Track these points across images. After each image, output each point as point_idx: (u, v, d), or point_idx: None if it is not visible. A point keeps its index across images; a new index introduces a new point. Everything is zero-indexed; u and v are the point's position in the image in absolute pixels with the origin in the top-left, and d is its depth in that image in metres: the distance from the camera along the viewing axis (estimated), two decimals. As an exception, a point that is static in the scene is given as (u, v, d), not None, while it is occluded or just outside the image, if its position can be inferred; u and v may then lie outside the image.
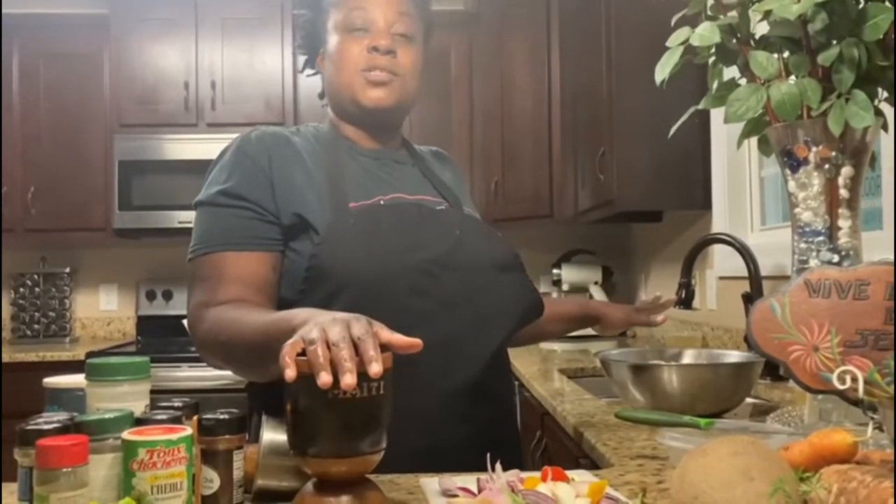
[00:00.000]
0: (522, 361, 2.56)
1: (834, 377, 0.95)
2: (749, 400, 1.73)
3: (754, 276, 1.97)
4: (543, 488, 0.84)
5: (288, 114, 3.70)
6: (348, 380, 0.74)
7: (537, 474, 0.90)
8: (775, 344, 1.04)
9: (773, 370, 1.85)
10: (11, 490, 0.87)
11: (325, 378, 0.74)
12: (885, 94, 1.14)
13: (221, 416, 0.86)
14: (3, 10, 3.55)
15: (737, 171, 2.54)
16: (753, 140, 1.29)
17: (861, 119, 1.05)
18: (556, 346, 3.08)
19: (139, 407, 0.88)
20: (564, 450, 1.66)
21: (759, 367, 1.48)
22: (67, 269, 3.94)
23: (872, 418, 0.97)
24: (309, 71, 1.39)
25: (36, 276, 3.93)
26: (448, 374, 1.16)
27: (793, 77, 1.15)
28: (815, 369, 1.02)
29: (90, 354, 3.29)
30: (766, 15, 1.16)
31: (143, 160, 3.63)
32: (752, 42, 1.21)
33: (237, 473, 0.87)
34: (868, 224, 1.74)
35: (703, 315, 2.73)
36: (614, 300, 3.58)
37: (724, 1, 1.21)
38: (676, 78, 1.23)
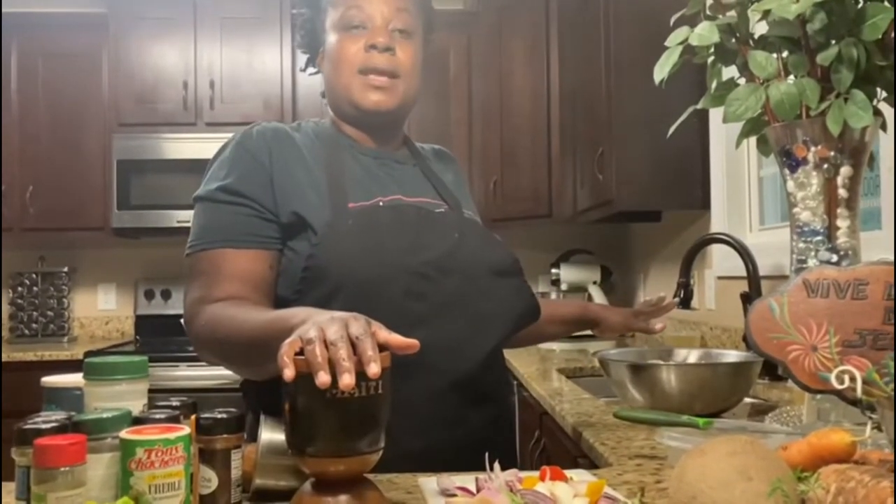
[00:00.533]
0: (521, 361, 2.56)
1: (832, 377, 0.95)
2: (747, 400, 1.74)
3: (753, 276, 1.98)
4: (542, 488, 0.84)
5: (287, 113, 3.70)
6: (346, 379, 0.74)
7: (536, 474, 0.90)
8: (774, 344, 1.04)
9: (772, 370, 1.85)
10: (9, 489, 0.87)
11: (323, 378, 0.74)
12: (884, 94, 1.14)
13: (219, 416, 0.86)
14: (2, 9, 3.55)
15: (735, 171, 2.54)
16: (752, 140, 1.29)
17: (860, 119, 1.05)
18: (555, 346, 3.08)
19: (137, 406, 0.88)
20: (563, 449, 1.66)
21: (758, 366, 1.48)
22: (66, 269, 3.94)
23: (871, 418, 0.97)
24: (311, 70, 1.38)
25: (34, 276, 3.92)
26: (443, 375, 1.16)
27: (792, 77, 1.15)
28: (813, 369, 1.02)
29: (88, 354, 3.28)
30: (765, 15, 1.16)
31: (142, 159, 3.63)
32: (750, 42, 1.21)
33: (235, 473, 0.86)
34: (867, 224, 1.74)
35: (701, 315, 2.73)
36: (613, 300, 3.59)
37: (723, 1, 1.21)
38: (675, 77, 1.23)
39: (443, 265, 1.20)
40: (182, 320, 1.20)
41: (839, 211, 1.14)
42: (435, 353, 1.07)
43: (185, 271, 1.21)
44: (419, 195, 1.29)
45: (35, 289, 3.91)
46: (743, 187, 2.54)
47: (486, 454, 0.93)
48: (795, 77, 1.14)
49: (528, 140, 3.56)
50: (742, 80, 1.22)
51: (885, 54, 1.08)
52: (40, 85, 3.73)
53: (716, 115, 2.40)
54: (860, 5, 1.08)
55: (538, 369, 2.40)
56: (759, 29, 1.22)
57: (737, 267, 2.10)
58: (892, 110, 1.16)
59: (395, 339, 0.81)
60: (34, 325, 3.89)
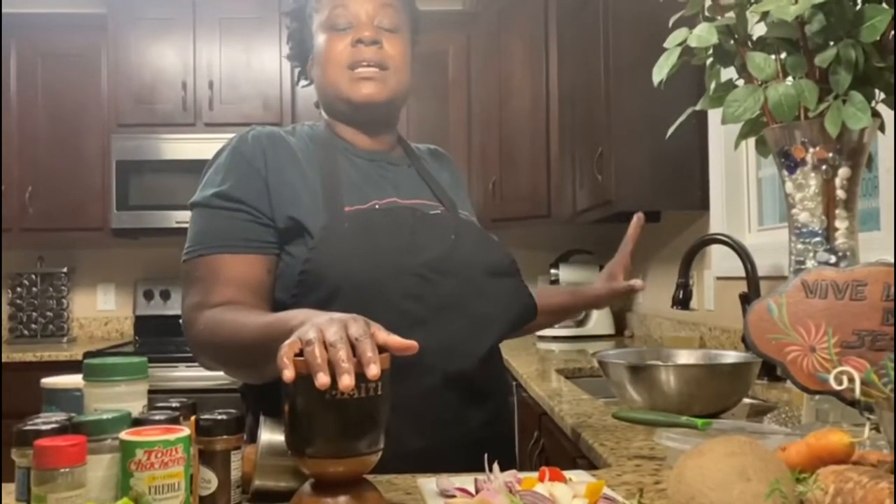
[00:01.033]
0: (520, 361, 2.57)
1: (831, 378, 0.96)
2: (746, 400, 1.74)
3: (752, 277, 1.98)
4: (541, 489, 0.84)
5: (286, 114, 3.70)
6: (346, 381, 0.74)
7: (535, 475, 0.91)
8: (772, 344, 1.05)
9: (771, 370, 1.85)
10: (9, 491, 0.87)
11: (322, 379, 0.74)
12: (883, 96, 1.15)
13: (219, 417, 0.86)
14: (2, 10, 3.55)
15: (734, 172, 2.54)
16: (751, 140, 1.29)
17: (858, 120, 1.06)
18: (554, 347, 3.09)
19: (137, 407, 0.88)
20: (562, 450, 1.66)
21: (756, 367, 1.48)
22: (65, 269, 3.94)
23: (869, 419, 0.98)
24: (304, 82, 1.40)
25: (33, 276, 3.92)
26: (441, 376, 1.16)
27: (790, 78, 1.15)
28: (812, 370, 1.02)
29: (88, 354, 3.28)
30: (764, 16, 1.16)
31: (141, 160, 3.63)
32: (749, 43, 1.21)
33: (235, 474, 0.87)
34: (865, 225, 1.74)
35: (700, 315, 2.73)
36: (612, 300, 3.58)
37: (722, 2, 1.21)
38: (674, 78, 1.23)
39: (440, 266, 1.20)
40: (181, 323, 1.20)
41: (837, 212, 1.14)
42: (432, 353, 1.07)
43: (181, 276, 1.21)
44: (414, 197, 1.29)
45: (34, 289, 3.91)
46: (742, 188, 2.54)
47: (486, 454, 0.93)
48: (794, 78, 1.14)
49: (528, 140, 3.56)
50: (740, 82, 1.23)
51: (883, 56, 1.08)
52: (39, 85, 3.73)
53: (715, 115, 2.41)
54: (858, 7, 1.08)
55: (537, 370, 2.40)
56: (758, 30, 1.22)
57: (736, 267, 2.10)
58: (891, 112, 1.17)
59: (394, 340, 0.81)
60: (33, 326, 3.89)
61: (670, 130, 1.32)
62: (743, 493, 0.70)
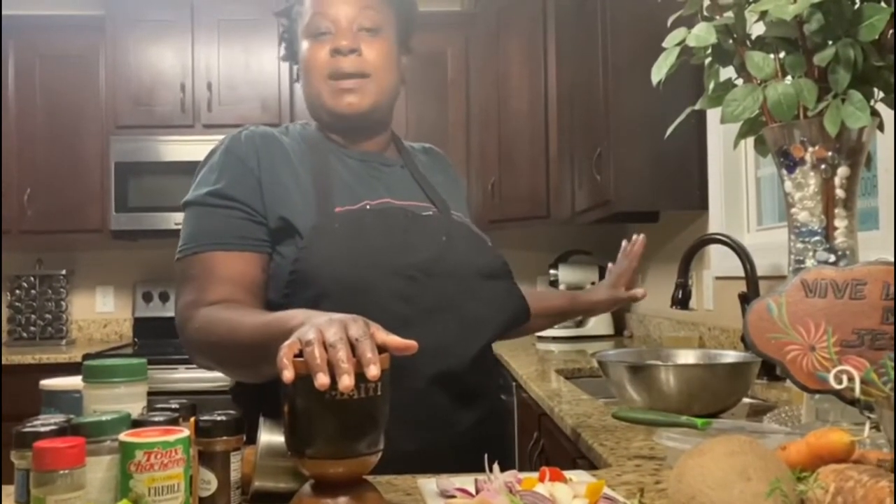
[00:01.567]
0: (520, 362, 2.57)
1: (830, 377, 0.96)
2: (746, 400, 1.74)
3: (751, 277, 1.98)
4: (541, 489, 0.84)
5: (284, 115, 3.70)
6: (346, 381, 0.74)
7: (535, 475, 0.90)
8: (772, 344, 1.04)
9: (770, 370, 1.85)
10: (8, 493, 0.87)
11: (322, 379, 0.74)
12: (881, 95, 1.15)
13: (219, 418, 0.86)
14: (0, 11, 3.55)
15: (733, 172, 2.54)
16: (750, 140, 1.29)
17: (857, 119, 1.06)
18: (553, 347, 3.09)
19: (136, 409, 0.88)
20: (562, 450, 1.66)
21: (756, 366, 1.48)
22: (64, 271, 3.93)
23: (869, 418, 0.97)
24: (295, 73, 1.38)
25: (32, 279, 3.92)
26: (430, 377, 1.16)
27: (789, 77, 1.15)
28: (811, 369, 1.02)
29: (87, 356, 3.28)
30: (762, 15, 1.16)
31: (140, 161, 3.63)
32: (748, 42, 1.21)
33: (234, 475, 0.86)
34: (864, 224, 1.74)
35: (699, 315, 2.73)
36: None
37: (720, 1, 1.21)
38: (673, 78, 1.23)
39: (430, 268, 1.20)
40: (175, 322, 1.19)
41: (837, 211, 1.14)
42: (422, 355, 1.05)
43: (175, 275, 1.21)
44: (407, 198, 1.28)
45: (33, 291, 3.91)
46: (741, 188, 2.54)
47: (486, 455, 0.93)
48: (793, 77, 1.14)
49: (526, 141, 3.56)
50: (739, 81, 1.23)
51: (882, 55, 1.08)
52: (38, 87, 3.73)
53: (713, 115, 2.41)
54: (857, 6, 1.08)
55: (537, 370, 2.40)
56: (757, 30, 1.22)
57: (735, 267, 2.10)
58: (890, 111, 1.17)
59: (393, 340, 0.82)
60: (32, 328, 3.89)
61: (669, 130, 1.32)
62: (743, 492, 0.69)
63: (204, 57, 3.72)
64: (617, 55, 2.62)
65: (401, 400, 1.07)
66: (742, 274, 2.00)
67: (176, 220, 3.57)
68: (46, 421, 0.81)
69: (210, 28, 3.72)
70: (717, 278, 2.60)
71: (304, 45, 1.28)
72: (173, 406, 0.90)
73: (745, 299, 1.99)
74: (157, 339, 3.80)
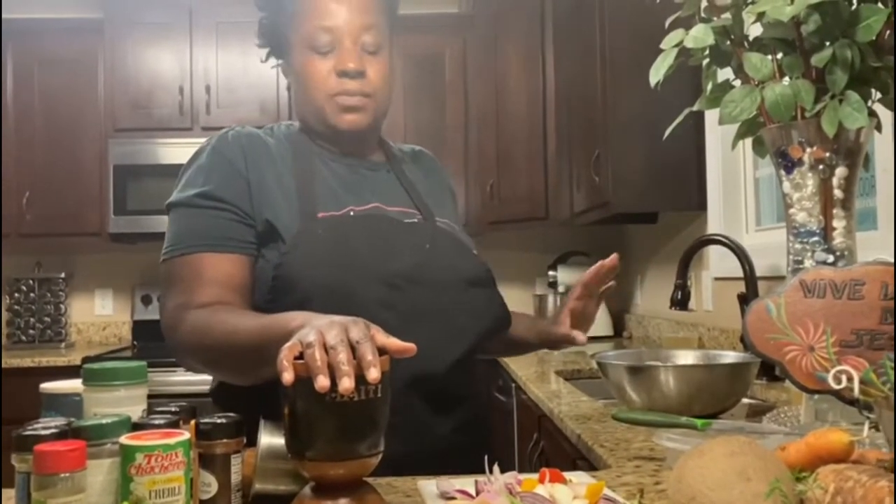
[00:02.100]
0: (519, 364, 2.57)
1: (829, 377, 0.96)
2: (745, 400, 1.74)
3: (750, 277, 1.98)
4: (541, 490, 0.85)
5: (283, 117, 3.70)
6: (346, 384, 0.75)
7: (535, 476, 0.91)
8: (771, 344, 1.05)
9: (769, 370, 1.85)
10: (9, 496, 0.87)
11: (322, 382, 0.75)
12: (879, 95, 1.15)
13: (219, 421, 0.86)
14: (-2, 16, 3.55)
15: (731, 172, 2.54)
16: (748, 141, 1.29)
17: (855, 120, 1.06)
18: (553, 348, 3.08)
19: (136, 411, 0.88)
20: (562, 451, 1.66)
21: (755, 367, 1.48)
22: (63, 274, 3.93)
23: (868, 418, 0.98)
24: (273, 62, 1.34)
25: (31, 282, 3.92)
26: (408, 384, 1.13)
27: (787, 78, 1.16)
28: (810, 369, 1.02)
29: (86, 360, 3.28)
30: (760, 17, 1.17)
31: (138, 164, 3.63)
32: (745, 43, 1.21)
33: (235, 477, 0.87)
34: (862, 224, 1.74)
35: (699, 316, 2.74)
36: (610, 301, 3.60)
37: (718, 3, 1.21)
38: (670, 79, 1.23)
39: (413, 275, 1.19)
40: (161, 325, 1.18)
41: (835, 211, 1.14)
42: (404, 363, 1.04)
43: (160, 277, 1.20)
44: (393, 203, 1.28)
45: (32, 295, 3.91)
46: (739, 188, 2.54)
47: (486, 459, 0.93)
48: (790, 78, 1.15)
49: (524, 143, 3.57)
50: (737, 82, 1.23)
51: (879, 55, 1.09)
52: (36, 91, 3.73)
53: (711, 116, 2.41)
54: (854, 7, 1.08)
55: (536, 371, 2.40)
56: (754, 31, 1.22)
57: (734, 268, 2.10)
58: (887, 111, 1.17)
59: (393, 343, 0.82)
60: (31, 332, 3.89)
61: (667, 132, 1.33)
62: (743, 492, 0.70)
63: (202, 60, 3.72)
64: (614, 56, 2.62)
65: None
66: (741, 275, 2.01)
67: (175, 222, 3.57)
68: (47, 424, 0.81)
69: (208, 31, 3.73)
70: (716, 279, 2.60)
71: (302, 55, 1.25)
72: (173, 409, 0.90)
73: (745, 300, 1.99)
74: (156, 342, 3.76)
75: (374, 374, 0.76)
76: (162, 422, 0.83)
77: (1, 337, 3.89)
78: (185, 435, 0.79)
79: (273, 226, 1.17)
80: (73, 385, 0.94)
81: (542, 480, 0.89)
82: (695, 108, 1.28)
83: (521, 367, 2.48)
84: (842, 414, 1.11)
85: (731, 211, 2.54)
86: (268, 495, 0.92)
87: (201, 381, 3.16)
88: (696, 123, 2.56)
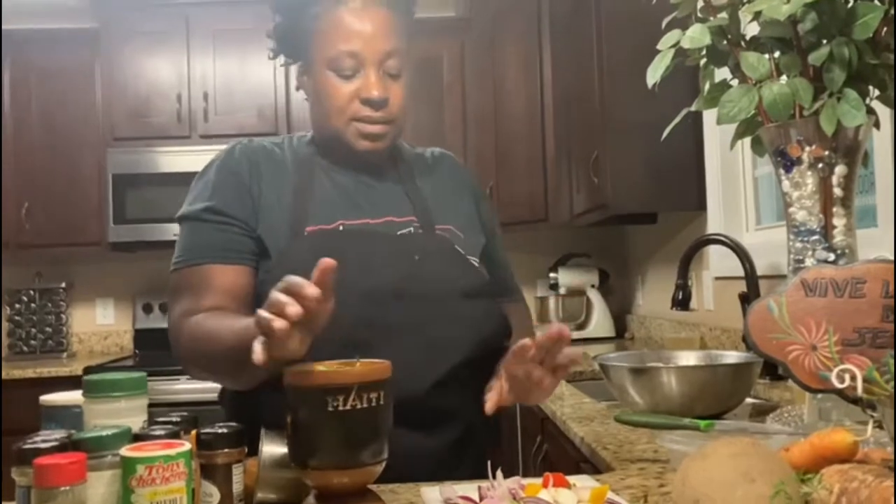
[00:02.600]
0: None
1: (833, 376, 0.95)
2: (749, 400, 1.73)
3: (751, 276, 1.98)
4: (545, 495, 0.84)
5: (281, 123, 3.70)
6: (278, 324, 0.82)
7: (538, 481, 0.90)
8: (773, 344, 1.04)
9: (773, 370, 1.85)
10: (10, 510, 0.86)
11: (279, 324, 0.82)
12: (877, 92, 1.15)
13: (220, 431, 0.86)
14: (-5, 27, 3.55)
15: (731, 172, 2.54)
16: (747, 139, 1.29)
17: (853, 118, 1.06)
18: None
19: (137, 422, 0.88)
20: (565, 454, 1.66)
21: (758, 367, 1.48)
22: (63, 284, 3.93)
23: (872, 416, 0.97)
24: (282, 60, 1.33)
25: (32, 292, 3.91)
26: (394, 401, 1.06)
27: (784, 77, 1.15)
28: (813, 368, 1.02)
29: (88, 369, 3.27)
30: (757, 16, 1.16)
31: (137, 173, 3.62)
32: (742, 43, 1.21)
33: (237, 487, 0.86)
34: (862, 221, 1.74)
35: (700, 315, 2.73)
36: (611, 302, 3.60)
37: (714, 2, 1.21)
38: (668, 80, 1.23)
39: (396, 290, 1.18)
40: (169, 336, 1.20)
41: (835, 210, 1.14)
42: None
43: (168, 287, 1.22)
44: (392, 213, 1.25)
45: (33, 305, 3.90)
46: (738, 187, 2.54)
47: (489, 463, 0.92)
48: (788, 77, 1.15)
49: (523, 145, 3.57)
50: (735, 81, 1.23)
51: (876, 53, 1.09)
52: (33, 101, 3.72)
53: (710, 115, 2.41)
54: (850, 5, 1.08)
55: (538, 374, 2.39)
56: (751, 30, 1.22)
57: (734, 267, 2.10)
58: (885, 108, 1.17)
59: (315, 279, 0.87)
60: (33, 342, 3.88)
61: (666, 132, 1.32)
62: (747, 494, 0.69)
63: (199, 67, 3.72)
64: (612, 58, 2.62)
65: None
66: (741, 274, 2.00)
67: (174, 231, 3.52)
68: (47, 437, 0.81)
69: (205, 38, 3.72)
70: (717, 278, 2.60)
71: (323, 74, 1.23)
72: (174, 419, 0.90)
73: (746, 299, 1.99)
74: (157, 350, 3.79)
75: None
76: (163, 433, 0.83)
77: (0, 347, 3.89)
78: (186, 446, 0.79)
79: (263, 242, 1.19)
80: (74, 397, 0.94)
81: (545, 485, 0.88)
82: (693, 108, 1.28)
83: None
84: (846, 412, 1.11)
85: (731, 210, 2.54)
86: (270, 504, 0.92)
87: (203, 388, 3.17)
88: (695, 123, 2.55)
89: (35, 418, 0.99)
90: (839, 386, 0.94)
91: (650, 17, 1.50)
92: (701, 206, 2.64)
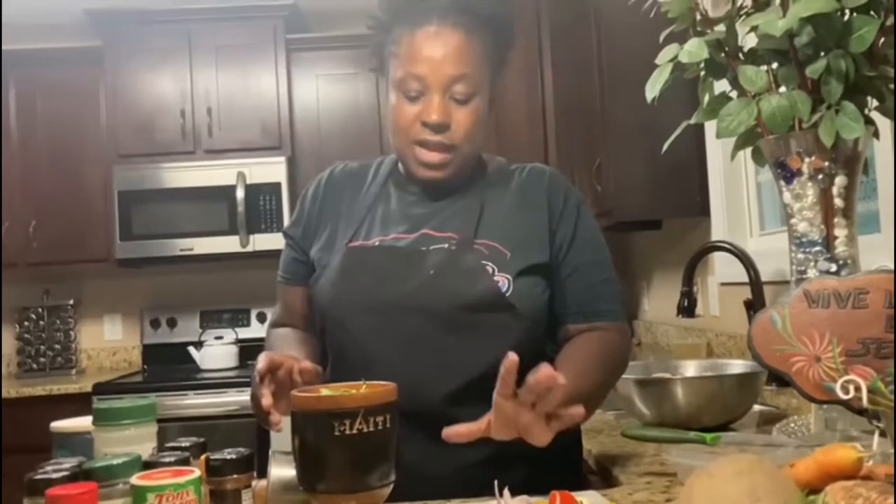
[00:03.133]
0: (528, 376, 2.55)
1: (837, 387, 0.96)
2: (756, 407, 1.73)
3: (755, 283, 1.98)
4: (552, 514, 0.85)
5: (284, 137, 3.71)
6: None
7: (545, 499, 0.91)
8: (777, 356, 1.05)
9: (779, 377, 1.84)
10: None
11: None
12: (876, 103, 1.15)
13: (229, 456, 0.87)
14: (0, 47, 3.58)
15: (734, 177, 2.54)
16: (747, 148, 1.29)
17: (851, 130, 1.06)
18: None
19: (147, 449, 0.89)
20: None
21: (764, 376, 1.48)
22: (71, 301, 3.95)
23: (878, 427, 0.97)
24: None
25: (40, 310, 3.93)
26: (407, 418, 1.01)
27: (783, 88, 1.16)
28: (818, 379, 1.02)
29: (97, 386, 3.29)
30: (754, 28, 1.17)
31: (143, 189, 3.64)
32: (740, 55, 1.21)
33: (247, 512, 0.87)
34: (865, 227, 1.74)
35: (706, 321, 2.73)
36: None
37: (711, 16, 1.22)
38: (669, 86, 1.23)
39: (405, 303, 1.19)
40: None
41: (836, 220, 1.14)
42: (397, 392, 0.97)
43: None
44: (434, 228, 1.25)
45: (41, 323, 3.92)
46: (742, 193, 2.54)
47: (495, 482, 0.93)
48: (786, 89, 1.15)
49: (525, 154, 3.57)
50: (734, 93, 1.23)
51: (873, 65, 1.09)
52: (39, 120, 3.75)
53: (711, 121, 2.41)
54: (846, 18, 1.08)
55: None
56: (749, 41, 1.22)
57: (739, 273, 2.10)
58: (884, 118, 1.17)
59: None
60: (42, 360, 3.90)
61: (666, 145, 1.33)
62: (753, 513, 0.70)
63: (203, 82, 3.74)
64: (612, 64, 2.62)
65: None
66: (746, 280, 2.00)
67: (181, 246, 3.58)
68: (58, 466, 0.82)
69: (207, 53, 3.74)
70: (722, 284, 2.59)
71: (393, 95, 1.25)
72: (183, 444, 0.90)
73: (751, 306, 1.99)
74: (166, 366, 3.80)
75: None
76: (172, 459, 0.84)
77: (0, 365, 3.90)
78: (196, 473, 0.80)
79: (314, 264, 1.30)
80: (84, 423, 0.95)
81: (552, 503, 0.89)
82: (692, 121, 1.29)
83: (530, 380, 2.47)
84: (851, 422, 1.11)
85: (735, 216, 2.54)
86: (280, 527, 0.92)
87: (212, 404, 3.18)
88: (697, 129, 2.54)
89: (45, 436, 1.01)
90: (844, 397, 0.95)
91: (649, 23, 1.50)
92: (704, 211, 2.64)
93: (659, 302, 3.34)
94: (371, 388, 0.87)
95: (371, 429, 0.80)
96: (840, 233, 1.14)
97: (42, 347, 3.91)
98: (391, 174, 1.35)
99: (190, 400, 3.23)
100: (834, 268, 1.14)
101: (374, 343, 1.18)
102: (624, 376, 1.52)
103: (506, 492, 0.91)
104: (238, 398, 3.19)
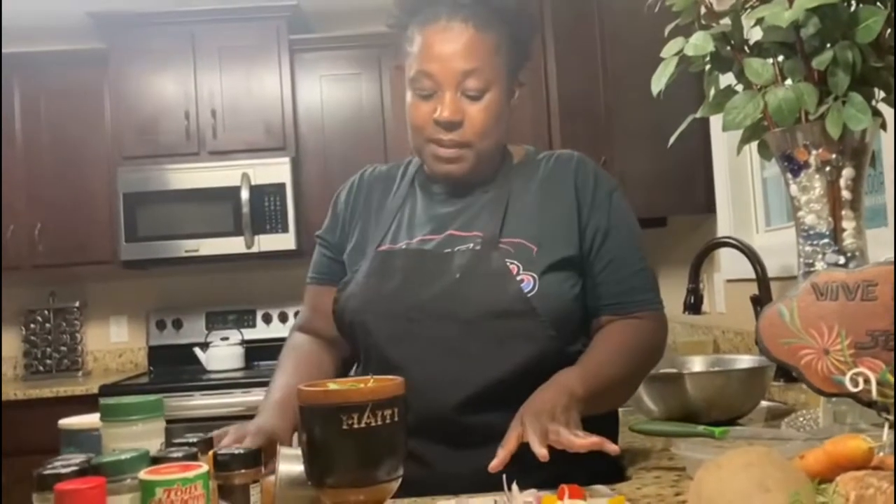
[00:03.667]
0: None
1: (846, 380, 0.95)
2: (764, 403, 1.73)
3: (762, 279, 1.97)
4: (561, 507, 0.84)
5: (288, 138, 3.72)
6: None
7: (554, 493, 0.90)
8: (786, 349, 1.04)
9: (787, 372, 1.82)
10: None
11: None
12: (882, 95, 1.15)
13: (236, 451, 0.86)
14: (3, 49, 3.59)
15: (739, 173, 2.54)
16: (754, 143, 1.29)
17: (858, 121, 1.06)
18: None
19: (154, 445, 0.88)
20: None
21: (771, 371, 1.48)
22: (77, 303, 3.96)
23: (888, 419, 0.97)
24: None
25: (46, 312, 3.94)
26: (418, 420, 1.03)
27: (789, 80, 1.15)
28: (826, 372, 1.02)
29: (103, 387, 3.30)
30: (759, 21, 1.17)
31: (147, 191, 3.65)
32: (746, 48, 1.21)
33: (255, 507, 0.87)
34: (873, 221, 1.73)
35: (713, 318, 2.72)
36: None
37: (716, 9, 1.21)
38: (674, 82, 1.23)
39: (428, 308, 1.19)
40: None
41: (844, 213, 1.14)
42: (415, 397, 0.97)
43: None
44: (459, 228, 1.24)
45: (47, 325, 3.93)
46: (747, 189, 2.53)
47: (503, 477, 0.92)
48: (792, 81, 1.14)
49: (530, 152, 3.57)
50: (740, 87, 1.23)
51: (880, 55, 1.08)
52: (43, 122, 3.76)
53: (716, 117, 2.40)
54: (852, 9, 1.08)
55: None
56: (755, 34, 1.22)
57: (746, 269, 2.09)
58: (891, 109, 1.16)
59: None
60: (48, 362, 3.91)
61: (671, 139, 1.32)
62: (763, 504, 0.69)
63: (206, 84, 3.74)
64: (616, 62, 2.62)
65: None
66: (753, 275, 2.00)
67: (186, 247, 3.59)
68: (67, 462, 0.82)
69: (211, 55, 3.75)
70: (728, 281, 2.59)
71: (408, 94, 1.26)
72: (191, 440, 0.90)
73: (757, 302, 1.98)
74: (172, 367, 3.81)
75: None
76: (180, 455, 0.84)
77: (1, 368, 3.91)
78: (204, 467, 0.79)
79: (343, 264, 1.33)
80: (92, 420, 0.95)
81: (560, 497, 0.88)
82: (698, 115, 1.28)
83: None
84: (861, 415, 1.10)
85: (741, 212, 2.53)
86: (288, 523, 0.92)
87: (218, 405, 3.19)
88: (702, 125, 2.55)
89: (53, 438, 1.00)
90: (853, 390, 0.94)
91: (654, 19, 1.49)
92: (710, 208, 2.63)
93: (665, 299, 3.32)
94: (379, 382, 0.87)
95: (379, 423, 0.80)
96: (848, 225, 1.14)
97: (48, 349, 3.91)
98: (416, 174, 1.35)
99: (196, 401, 3.24)
100: (842, 260, 1.13)
101: (396, 348, 1.19)
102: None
103: (514, 486, 0.91)
104: (244, 399, 3.20)
